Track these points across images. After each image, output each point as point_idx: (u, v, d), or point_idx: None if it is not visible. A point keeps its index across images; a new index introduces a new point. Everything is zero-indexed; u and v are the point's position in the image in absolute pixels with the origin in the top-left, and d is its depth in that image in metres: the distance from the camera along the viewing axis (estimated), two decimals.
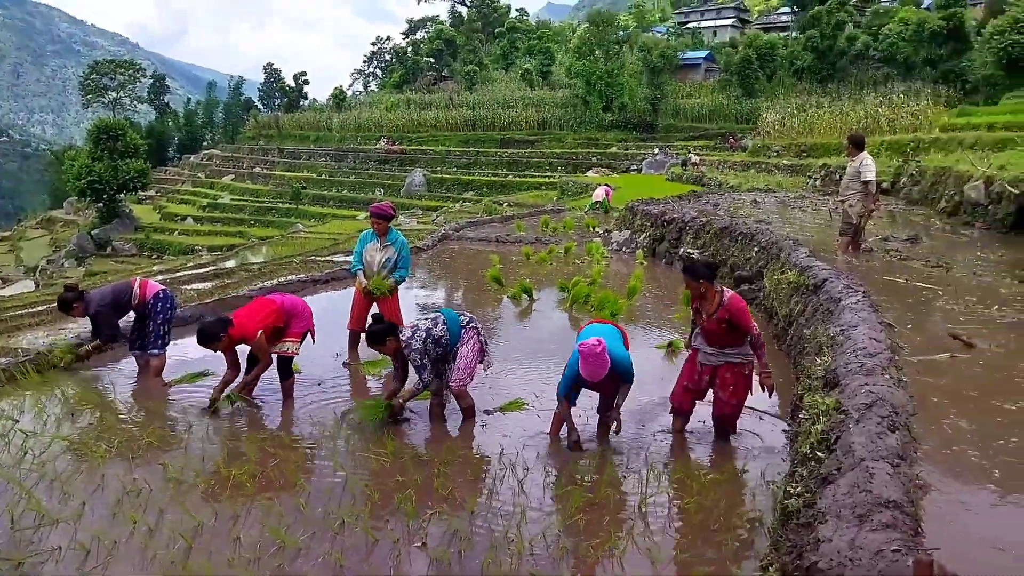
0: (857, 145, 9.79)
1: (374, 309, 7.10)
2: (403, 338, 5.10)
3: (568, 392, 4.86)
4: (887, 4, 58.13)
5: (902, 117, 33.32)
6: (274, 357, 5.72)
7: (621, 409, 4.98)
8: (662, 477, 4.38)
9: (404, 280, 7.23)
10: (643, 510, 3.97)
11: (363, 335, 5.18)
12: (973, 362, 5.31)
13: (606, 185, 25.74)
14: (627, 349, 5.10)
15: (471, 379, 5.34)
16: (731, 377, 4.90)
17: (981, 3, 51.68)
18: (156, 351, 6.29)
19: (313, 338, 6.04)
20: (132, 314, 6.49)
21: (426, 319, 5.26)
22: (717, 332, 4.87)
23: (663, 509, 4.01)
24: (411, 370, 5.30)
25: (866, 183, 9.47)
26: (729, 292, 4.89)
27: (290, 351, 5.79)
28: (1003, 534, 3.11)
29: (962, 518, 3.20)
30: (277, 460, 4.51)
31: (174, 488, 4.16)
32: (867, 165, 9.50)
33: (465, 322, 5.33)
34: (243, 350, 5.66)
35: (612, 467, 4.59)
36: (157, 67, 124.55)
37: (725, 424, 5.05)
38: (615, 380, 4.82)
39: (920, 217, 14.88)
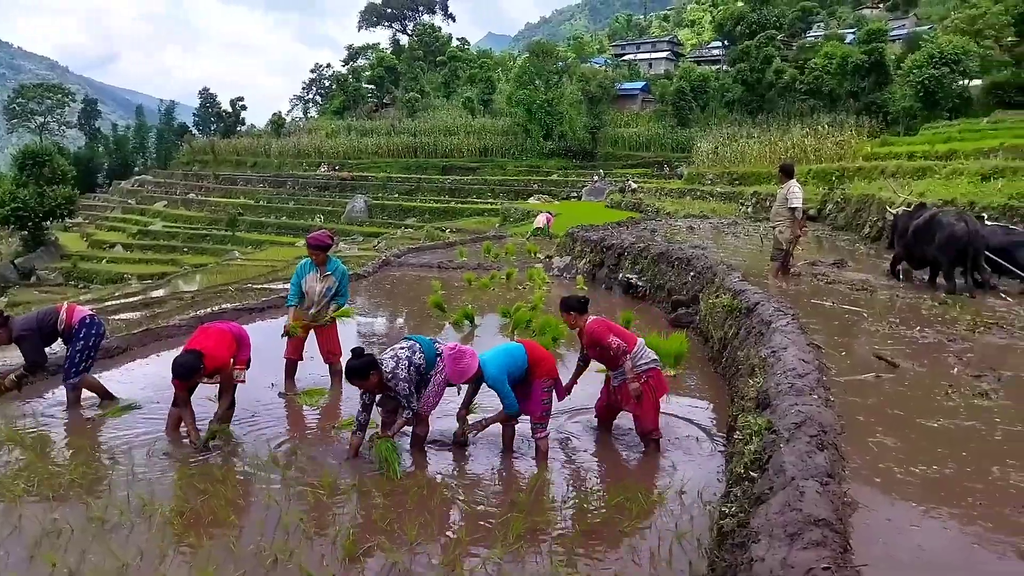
0: (787, 173, 10.19)
1: (312, 338, 7.01)
2: (387, 370, 4.92)
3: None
4: (813, 39, 60.88)
5: (827, 147, 34.81)
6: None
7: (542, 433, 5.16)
8: (602, 501, 4.39)
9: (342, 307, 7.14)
10: (583, 535, 3.96)
11: (343, 370, 5.01)
12: (897, 381, 5.53)
13: (547, 212, 26.12)
14: (550, 368, 5.20)
15: (434, 408, 5.26)
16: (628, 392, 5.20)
17: (900, 39, 54.76)
18: (73, 381, 6.02)
19: (248, 365, 5.89)
20: (60, 342, 6.24)
21: (403, 348, 5.11)
22: (597, 357, 5.34)
23: (603, 532, 4.00)
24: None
25: (792, 209, 9.82)
26: (589, 319, 5.30)
27: (239, 379, 5.67)
28: (926, 549, 3.22)
29: (888, 534, 3.30)
30: (207, 496, 4.35)
31: (97, 528, 3.96)
32: (794, 192, 9.86)
33: (439, 351, 5.24)
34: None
35: (552, 493, 4.58)
36: (88, 91, 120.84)
37: (642, 434, 5.24)
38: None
39: (845, 242, 15.51)
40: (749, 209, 25.89)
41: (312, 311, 6.89)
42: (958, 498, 3.69)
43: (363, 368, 4.82)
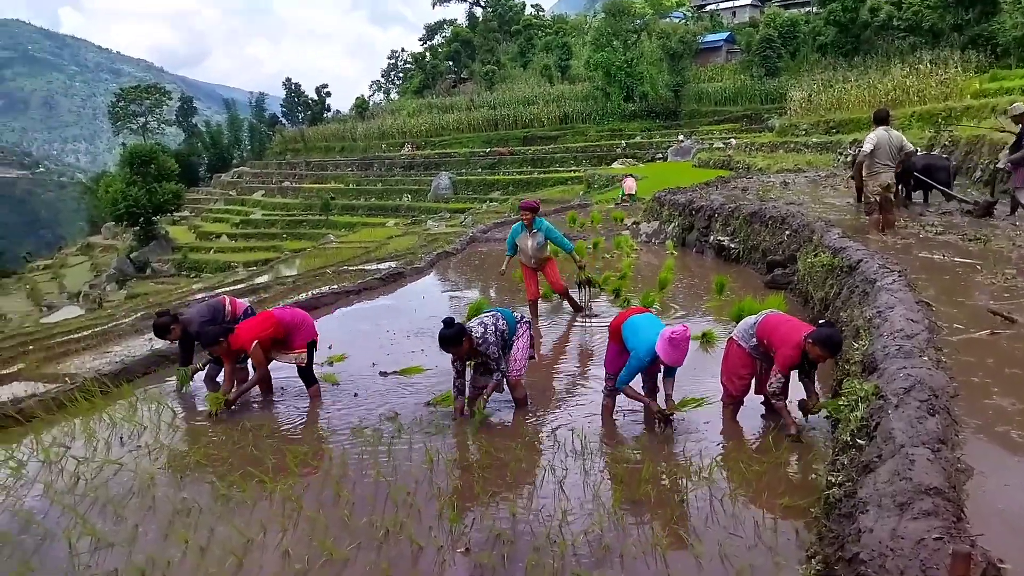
0: (879, 120, 9.46)
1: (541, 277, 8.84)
2: (477, 335, 5.34)
3: (629, 381, 5.08)
4: None
5: (931, 87, 32.49)
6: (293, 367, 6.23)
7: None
8: (703, 470, 4.36)
9: (571, 249, 8.93)
10: (685, 505, 3.96)
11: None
12: (1015, 338, 5.20)
13: (632, 175, 25.60)
14: None
15: (524, 369, 5.66)
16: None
17: None
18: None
19: (308, 348, 6.18)
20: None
21: (488, 317, 5.56)
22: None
23: (705, 503, 3.98)
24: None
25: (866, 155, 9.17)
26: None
27: (297, 360, 6.14)
28: None
29: (1006, 501, 3.14)
30: (320, 473, 4.60)
31: (222, 505, 4.26)
32: (868, 138, 9.19)
33: (519, 318, 5.72)
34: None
35: (653, 462, 4.58)
36: (183, 89, 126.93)
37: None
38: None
39: (955, 188, 14.50)
40: (848, 159, 24.58)
41: (533, 263, 8.72)
42: None
43: (455, 337, 5.25)
